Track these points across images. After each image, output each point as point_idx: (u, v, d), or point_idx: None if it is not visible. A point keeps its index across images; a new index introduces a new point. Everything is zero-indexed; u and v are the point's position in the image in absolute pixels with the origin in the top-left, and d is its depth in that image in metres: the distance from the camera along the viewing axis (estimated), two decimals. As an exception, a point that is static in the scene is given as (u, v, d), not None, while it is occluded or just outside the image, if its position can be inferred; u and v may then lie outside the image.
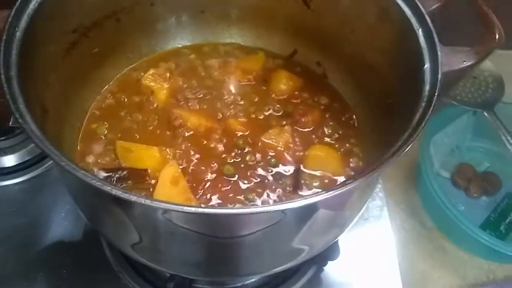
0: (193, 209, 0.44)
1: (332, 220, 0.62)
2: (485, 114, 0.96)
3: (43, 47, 0.63)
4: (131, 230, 0.56)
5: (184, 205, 0.44)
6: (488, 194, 1.03)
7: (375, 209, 0.88)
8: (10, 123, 0.55)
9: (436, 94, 0.57)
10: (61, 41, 0.68)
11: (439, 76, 0.58)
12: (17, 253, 0.79)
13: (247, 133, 0.77)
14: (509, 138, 0.92)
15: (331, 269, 0.81)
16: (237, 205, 0.68)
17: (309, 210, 0.53)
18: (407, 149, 0.52)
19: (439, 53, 0.60)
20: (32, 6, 0.60)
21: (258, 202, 0.69)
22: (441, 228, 0.98)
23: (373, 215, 0.87)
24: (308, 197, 0.47)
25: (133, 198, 0.42)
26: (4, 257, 0.78)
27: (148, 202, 0.43)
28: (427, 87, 0.59)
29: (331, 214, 0.59)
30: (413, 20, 0.65)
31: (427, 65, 0.60)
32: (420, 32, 0.63)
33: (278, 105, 0.81)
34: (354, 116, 0.80)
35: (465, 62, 0.61)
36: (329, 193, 0.48)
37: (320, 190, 0.71)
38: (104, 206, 0.54)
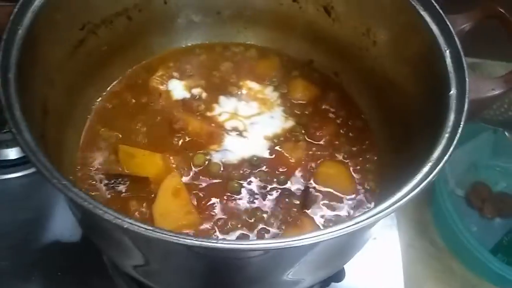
0: (218, 245, 0.41)
1: (334, 254, 0.58)
2: (506, 133, 0.93)
3: (47, 45, 0.60)
4: (137, 255, 0.54)
5: (209, 240, 0.41)
6: (502, 215, 0.99)
7: (385, 229, 0.85)
8: (7, 128, 0.52)
9: (461, 124, 0.53)
10: (67, 39, 0.65)
11: (466, 104, 0.54)
12: (14, 251, 0.76)
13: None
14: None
15: (334, 289, 0.78)
16: (240, 226, 0.65)
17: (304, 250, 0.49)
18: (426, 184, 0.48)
19: (467, 79, 0.56)
20: (37, 2, 0.57)
21: (263, 222, 0.65)
22: (451, 248, 0.95)
23: (381, 234, 0.83)
24: (303, 238, 0.44)
25: (156, 235, 0.40)
26: (1, 254, 0.76)
27: (174, 239, 0.40)
28: (452, 115, 0.55)
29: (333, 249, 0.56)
30: (441, 40, 0.60)
31: (453, 91, 0.56)
32: (447, 54, 0.59)
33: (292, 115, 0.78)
34: (370, 133, 0.76)
35: (493, 91, 0.56)
36: (328, 234, 0.44)
37: (327, 208, 0.69)
38: (110, 232, 0.51)
